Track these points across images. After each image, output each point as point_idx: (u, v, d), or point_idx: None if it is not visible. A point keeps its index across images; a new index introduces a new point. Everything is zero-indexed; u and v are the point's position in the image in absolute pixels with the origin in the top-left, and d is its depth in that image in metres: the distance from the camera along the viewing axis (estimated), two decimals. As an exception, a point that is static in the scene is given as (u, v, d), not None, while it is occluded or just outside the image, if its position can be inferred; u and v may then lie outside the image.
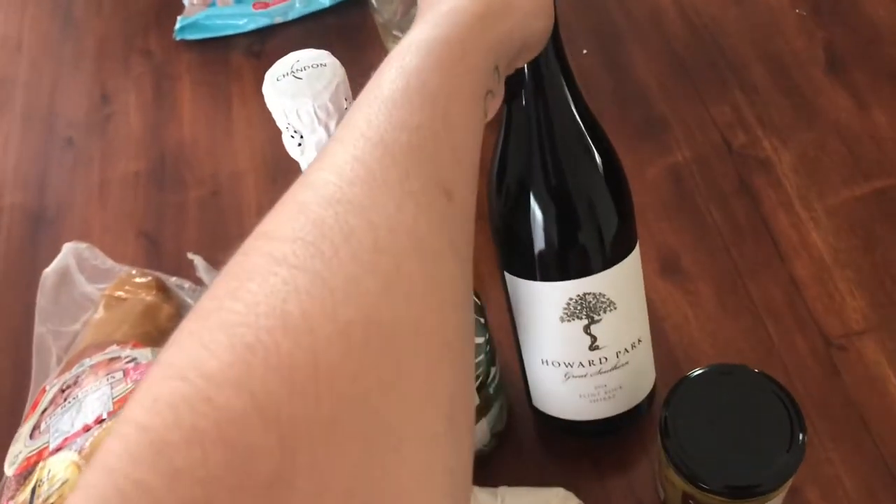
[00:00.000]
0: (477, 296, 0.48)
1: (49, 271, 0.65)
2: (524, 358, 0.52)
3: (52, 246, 0.72)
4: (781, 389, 0.47)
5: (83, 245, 0.66)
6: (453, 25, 0.33)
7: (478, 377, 0.49)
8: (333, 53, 0.38)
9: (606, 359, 0.50)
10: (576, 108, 0.44)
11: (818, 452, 0.54)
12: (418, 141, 0.28)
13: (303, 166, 0.38)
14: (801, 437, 0.46)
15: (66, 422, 0.48)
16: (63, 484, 0.44)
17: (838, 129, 0.67)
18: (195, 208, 0.74)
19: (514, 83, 0.42)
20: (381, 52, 0.76)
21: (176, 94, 0.82)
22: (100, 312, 0.61)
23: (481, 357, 0.49)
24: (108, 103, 0.83)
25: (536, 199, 0.45)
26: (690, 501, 0.48)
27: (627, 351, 0.50)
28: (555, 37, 0.41)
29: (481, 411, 0.52)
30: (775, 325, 0.59)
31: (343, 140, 0.28)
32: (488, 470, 0.55)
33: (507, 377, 0.56)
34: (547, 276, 0.47)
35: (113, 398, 0.48)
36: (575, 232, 0.46)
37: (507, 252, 0.48)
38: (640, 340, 0.51)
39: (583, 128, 0.44)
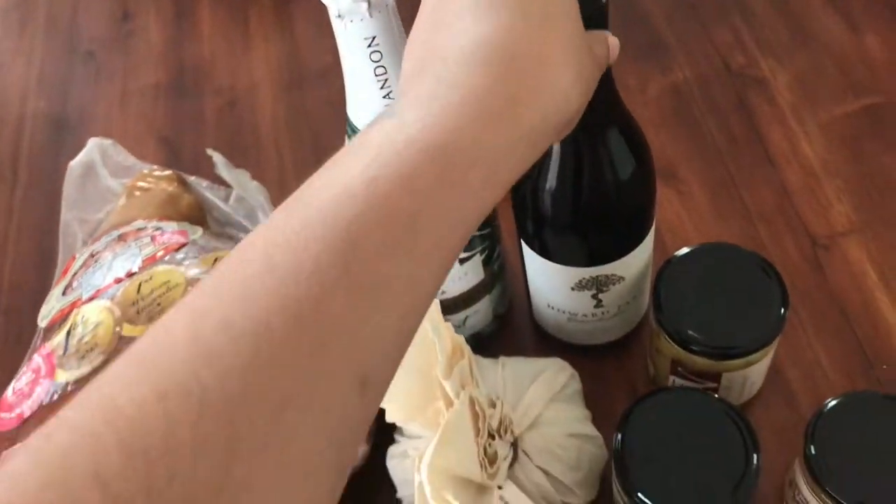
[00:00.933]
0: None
1: (75, 163, 0.68)
2: (530, 292, 0.55)
3: (75, 149, 0.75)
4: (766, 264, 0.50)
5: (108, 141, 0.69)
6: (460, 116, 0.26)
7: (484, 250, 0.52)
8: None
9: (608, 311, 0.53)
10: (619, 116, 0.44)
11: (801, 339, 0.57)
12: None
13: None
14: (781, 310, 0.49)
15: (97, 277, 0.51)
16: (96, 326, 0.47)
17: (831, 51, 0.70)
18: (213, 117, 0.77)
19: None
20: None
21: (195, 11, 0.85)
22: (122, 201, 0.64)
23: (488, 230, 0.52)
24: (129, 20, 0.85)
25: (565, 193, 0.46)
26: (679, 368, 0.52)
27: (628, 303, 0.54)
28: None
29: (486, 288, 0.55)
30: (766, 227, 0.62)
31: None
32: (489, 349, 0.58)
33: (507, 269, 0.59)
34: (564, 262, 0.49)
35: (142, 257, 0.51)
36: (596, 230, 0.48)
37: (528, 230, 0.49)
38: (641, 292, 0.54)
39: (620, 135, 0.45)
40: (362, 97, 0.43)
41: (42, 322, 0.52)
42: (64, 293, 0.53)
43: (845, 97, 0.68)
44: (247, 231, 0.64)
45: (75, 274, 0.54)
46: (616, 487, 0.47)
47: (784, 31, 0.72)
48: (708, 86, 0.70)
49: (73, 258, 0.56)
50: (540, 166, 0.45)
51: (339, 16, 0.38)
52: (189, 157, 0.74)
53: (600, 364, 0.56)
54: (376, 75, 0.41)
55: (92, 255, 0.54)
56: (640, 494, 0.44)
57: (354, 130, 0.46)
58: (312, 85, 0.77)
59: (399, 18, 0.40)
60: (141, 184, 0.65)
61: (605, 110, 0.43)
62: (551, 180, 0.45)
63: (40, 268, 0.69)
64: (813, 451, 0.45)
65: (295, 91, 0.77)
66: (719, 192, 0.64)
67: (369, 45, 0.40)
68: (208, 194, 0.67)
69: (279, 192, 0.70)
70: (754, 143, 0.66)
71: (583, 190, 0.45)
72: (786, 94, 0.68)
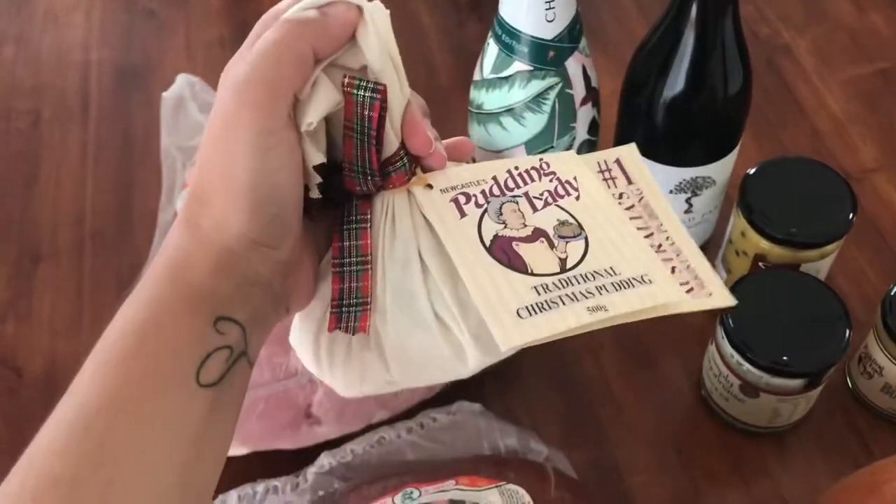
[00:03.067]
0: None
1: (168, 95, 0.71)
2: None
3: (145, 93, 0.79)
4: (835, 173, 0.59)
5: (195, 78, 0.73)
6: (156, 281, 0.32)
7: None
8: None
9: (694, 218, 0.60)
10: (735, 25, 0.51)
11: (846, 255, 0.65)
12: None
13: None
14: (850, 215, 0.57)
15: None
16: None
17: (843, 25, 0.80)
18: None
19: None
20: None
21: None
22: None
23: (596, 138, 0.58)
24: (187, -18, 0.90)
25: (680, 99, 0.52)
26: (760, 263, 0.59)
27: (711, 212, 0.61)
28: None
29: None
30: (804, 163, 0.71)
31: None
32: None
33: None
34: (668, 163, 0.55)
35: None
36: (702, 134, 0.55)
37: (634, 133, 0.56)
38: (721, 201, 0.61)
39: (737, 49, 0.52)
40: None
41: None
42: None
43: (859, 61, 0.78)
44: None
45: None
46: (719, 354, 0.54)
47: (800, 8, 0.82)
48: (740, 50, 0.79)
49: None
50: (663, 67, 0.52)
51: None
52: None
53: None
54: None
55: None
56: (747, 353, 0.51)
57: (509, 31, 0.51)
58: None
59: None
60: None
61: (726, 15, 0.50)
62: (667, 84, 0.52)
63: (117, 195, 0.73)
64: (891, 310, 0.53)
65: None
66: (760, 133, 0.73)
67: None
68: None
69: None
70: (785, 96, 0.75)
71: (701, 93, 0.53)
72: (807, 58, 0.78)
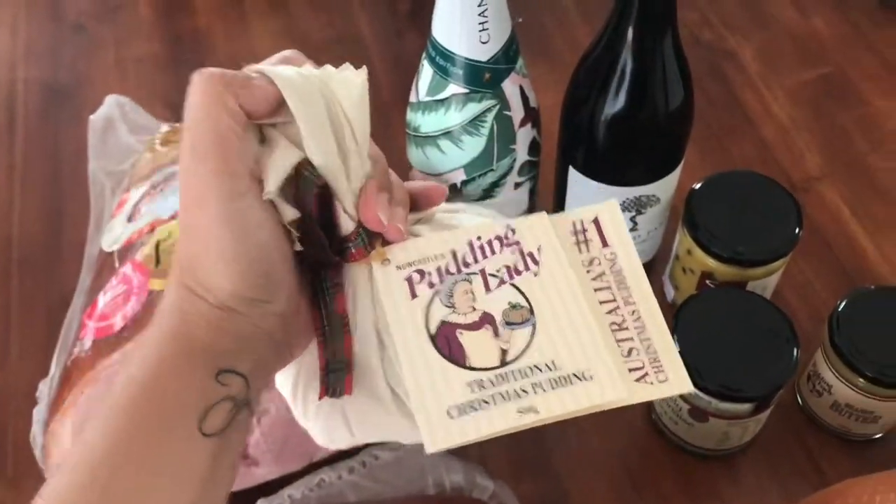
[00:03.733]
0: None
1: (95, 118, 0.68)
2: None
3: (73, 112, 0.76)
4: (780, 187, 0.58)
5: (125, 98, 0.70)
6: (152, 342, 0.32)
7: (533, 178, 0.57)
8: None
9: (640, 236, 0.59)
10: (674, 43, 0.49)
11: (793, 267, 0.65)
12: None
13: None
14: (797, 229, 0.56)
15: (171, 202, 0.53)
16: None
17: (786, 30, 0.80)
18: (215, 85, 0.79)
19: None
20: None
21: (185, -11, 0.86)
22: (148, 155, 0.65)
23: (537, 158, 0.57)
24: (116, -4, 0.86)
25: (621, 117, 0.50)
26: (708, 281, 0.58)
27: (656, 229, 0.60)
28: None
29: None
30: (750, 173, 0.70)
31: None
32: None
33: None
34: (612, 182, 0.54)
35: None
36: (649, 150, 0.54)
37: (575, 153, 0.54)
38: (665, 218, 0.59)
39: (676, 65, 0.50)
40: (456, 17, 0.47)
41: (113, 246, 0.53)
42: (130, 220, 0.54)
43: (802, 67, 0.77)
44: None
45: (136, 205, 0.55)
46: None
47: (743, 13, 0.81)
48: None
49: (127, 194, 0.57)
50: (601, 86, 0.51)
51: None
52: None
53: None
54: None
55: (153, 187, 0.55)
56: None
57: (443, 54, 0.49)
58: (312, 57, 0.80)
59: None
60: (174, 139, 0.67)
61: (664, 34, 0.49)
62: (608, 101, 0.51)
63: (46, 220, 0.70)
64: (838, 328, 0.52)
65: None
66: (707, 147, 0.72)
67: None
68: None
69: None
70: (731, 105, 0.74)
71: (640, 112, 0.51)
72: (753, 64, 0.77)
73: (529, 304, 0.34)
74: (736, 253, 0.55)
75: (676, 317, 0.52)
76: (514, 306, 0.34)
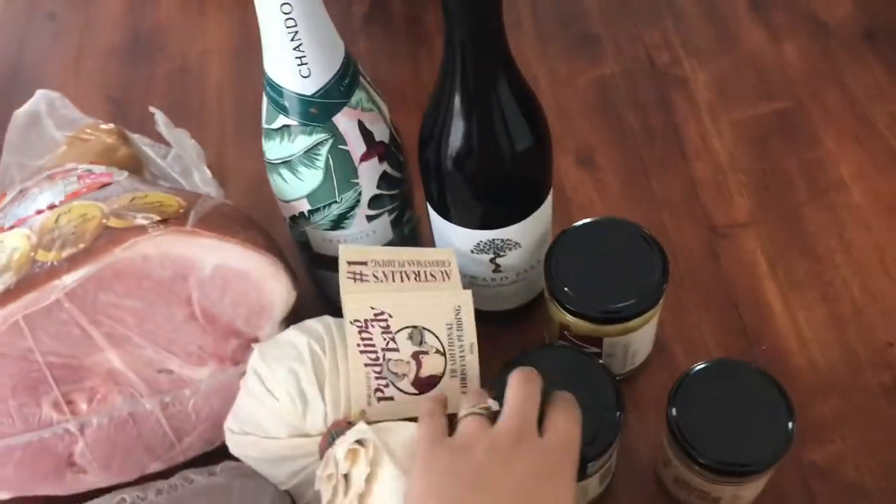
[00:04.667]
0: (395, 129, 0.54)
1: (20, 112, 0.70)
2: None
3: (25, 101, 0.78)
4: (651, 238, 0.54)
5: (56, 94, 0.72)
6: None
7: (393, 210, 0.55)
8: None
9: (507, 277, 0.56)
10: (511, 86, 0.46)
11: (689, 317, 0.61)
12: None
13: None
14: (660, 283, 0.52)
15: (22, 209, 0.54)
16: (13, 251, 0.50)
17: (752, 57, 0.74)
18: (163, 81, 0.80)
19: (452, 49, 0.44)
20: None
21: (156, -19, 0.88)
22: (63, 149, 0.67)
23: (396, 191, 0.55)
24: (92, -16, 0.88)
25: (461, 156, 0.48)
26: (565, 332, 0.55)
27: (526, 272, 0.57)
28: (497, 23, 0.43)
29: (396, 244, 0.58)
30: (670, 213, 0.66)
31: None
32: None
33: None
34: (462, 224, 0.52)
35: (65, 192, 0.54)
36: (490, 194, 0.51)
37: (430, 190, 0.52)
38: (539, 262, 0.56)
39: (516, 105, 0.47)
40: (275, 51, 0.46)
41: (-34, 249, 0.55)
42: (-9, 223, 0.55)
43: (759, 100, 0.71)
44: (179, 185, 0.66)
45: (2, 208, 0.56)
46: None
47: (710, 34, 0.76)
48: (633, 81, 0.74)
49: (4, 195, 0.59)
50: (441, 127, 0.48)
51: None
52: (136, 116, 0.77)
53: (498, 331, 0.59)
54: (287, 28, 0.45)
55: (21, 192, 0.57)
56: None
57: (272, 85, 0.48)
58: (261, 54, 0.80)
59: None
60: (82, 135, 0.68)
61: (497, 76, 0.46)
62: (449, 142, 0.48)
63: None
64: (675, 413, 0.49)
65: (243, 59, 0.80)
66: (631, 179, 0.68)
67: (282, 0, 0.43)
68: (148, 150, 0.70)
69: (216, 154, 0.73)
70: (670, 137, 0.70)
71: (476, 154, 0.49)
72: (704, 93, 0.72)
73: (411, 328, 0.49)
74: (585, 307, 0.52)
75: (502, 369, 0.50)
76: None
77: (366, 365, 0.48)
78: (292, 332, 0.51)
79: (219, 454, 0.54)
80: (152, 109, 0.71)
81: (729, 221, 0.65)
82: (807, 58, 0.74)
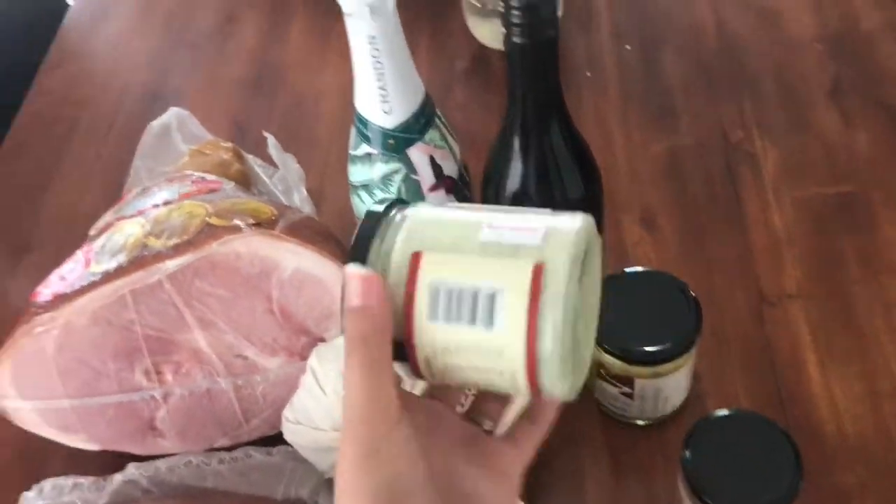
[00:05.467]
0: (465, 168, 0.61)
1: (154, 124, 0.81)
2: None
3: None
4: (690, 294, 0.58)
5: (186, 112, 0.82)
6: None
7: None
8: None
9: None
10: (564, 137, 0.52)
11: (727, 375, 0.64)
12: None
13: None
14: (692, 334, 0.56)
15: (141, 203, 0.63)
16: (129, 236, 0.58)
17: (823, 140, 0.78)
18: (280, 113, 0.90)
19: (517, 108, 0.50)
20: (460, 13, 0.91)
21: (288, 25, 0.98)
22: (185, 160, 0.77)
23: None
24: (232, 23, 1.00)
25: (516, 199, 0.54)
26: (601, 370, 0.59)
27: None
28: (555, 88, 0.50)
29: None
30: (722, 277, 0.69)
31: None
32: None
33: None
34: None
35: (179, 193, 0.63)
36: None
37: None
38: None
39: (570, 158, 0.53)
40: (363, 88, 0.54)
41: (92, 232, 0.64)
42: (115, 214, 0.65)
43: (824, 181, 0.75)
44: (279, 201, 0.75)
45: (128, 202, 0.66)
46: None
47: (785, 116, 0.80)
48: (704, 152, 0.78)
49: (131, 191, 0.68)
50: (499, 168, 0.55)
51: (349, 14, 0.49)
52: (252, 140, 0.86)
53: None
54: (375, 70, 0.52)
55: (144, 190, 0.66)
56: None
57: (359, 117, 0.56)
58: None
59: (398, 20, 0.51)
60: (204, 150, 0.78)
61: (550, 128, 0.52)
62: (507, 182, 0.55)
63: (112, 202, 0.82)
64: (688, 456, 0.53)
65: (352, 102, 0.89)
66: (688, 241, 0.72)
67: (371, 43, 0.51)
68: (258, 170, 0.79)
69: (317, 180, 0.82)
70: (731, 207, 0.74)
71: (528, 195, 0.55)
72: (771, 170, 0.76)
73: None
74: (617, 346, 0.56)
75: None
76: None
77: None
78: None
79: (278, 439, 0.61)
80: (266, 134, 0.80)
81: (778, 291, 0.68)
82: (876, 146, 0.76)
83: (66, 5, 1.11)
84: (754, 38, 0.87)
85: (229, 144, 0.79)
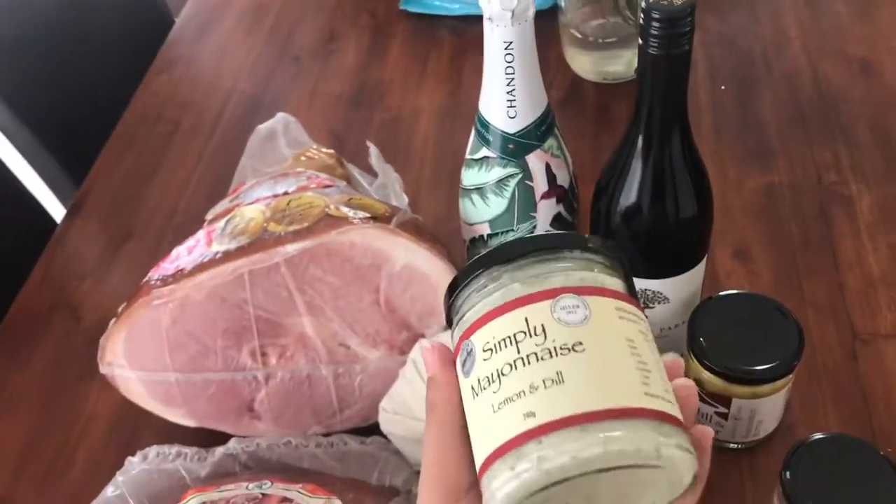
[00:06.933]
0: (575, 179, 0.62)
1: (262, 127, 0.84)
2: None
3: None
4: (794, 320, 0.59)
5: (292, 118, 0.85)
6: None
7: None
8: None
9: (651, 331, 0.62)
10: (689, 164, 0.54)
11: (820, 408, 0.64)
12: None
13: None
14: (795, 352, 0.57)
15: (259, 191, 0.65)
16: (250, 220, 0.61)
17: (919, 189, 0.78)
18: (378, 126, 0.92)
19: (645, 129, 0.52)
20: (557, 44, 0.93)
21: (388, 47, 1.02)
22: (289, 162, 0.80)
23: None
24: (335, 41, 1.03)
25: (629, 209, 0.55)
26: (698, 389, 0.60)
27: (671, 329, 0.63)
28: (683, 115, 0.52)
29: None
30: (815, 313, 0.70)
31: None
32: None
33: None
34: None
35: (297, 185, 0.65)
36: (649, 246, 0.57)
37: (596, 233, 0.59)
38: (683, 322, 0.61)
39: (689, 178, 0.55)
40: (492, 91, 0.56)
41: (209, 216, 0.67)
42: (231, 202, 0.67)
43: (919, 228, 0.75)
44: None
45: (243, 192, 0.68)
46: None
47: (880, 163, 0.81)
48: (798, 192, 0.79)
49: (243, 183, 0.71)
50: (617, 179, 0.56)
51: (490, 18, 0.52)
52: (351, 150, 0.89)
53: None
54: (506, 74, 0.54)
55: (258, 182, 0.69)
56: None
57: (481, 121, 0.58)
58: (464, 119, 0.91)
59: (534, 30, 0.53)
60: (307, 154, 0.80)
61: (674, 143, 0.54)
62: (621, 192, 0.56)
63: (210, 203, 0.85)
64: (788, 476, 0.53)
65: (448, 122, 0.92)
66: (782, 276, 0.73)
67: (506, 48, 0.53)
68: (357, 176, 0.81)
69: (411, 194, 0.84)
70: (825, 247, 0.74)
71: (643, 207, 0.56)
72: (866, 213, 0.77)
73: None
74: (716, 362, 0.57)
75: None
76: None
77: None
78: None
79: (370, 431, 0.62)
80: (368, 143, 0.83)
81: (872, 330, 0.68)
82: (975, 198, 0.77)
83: (172, 21, 1.16)
84: (851, 87, 0.88)
85: (331, 151, 0.81)
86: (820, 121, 0.85)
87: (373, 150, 0.82)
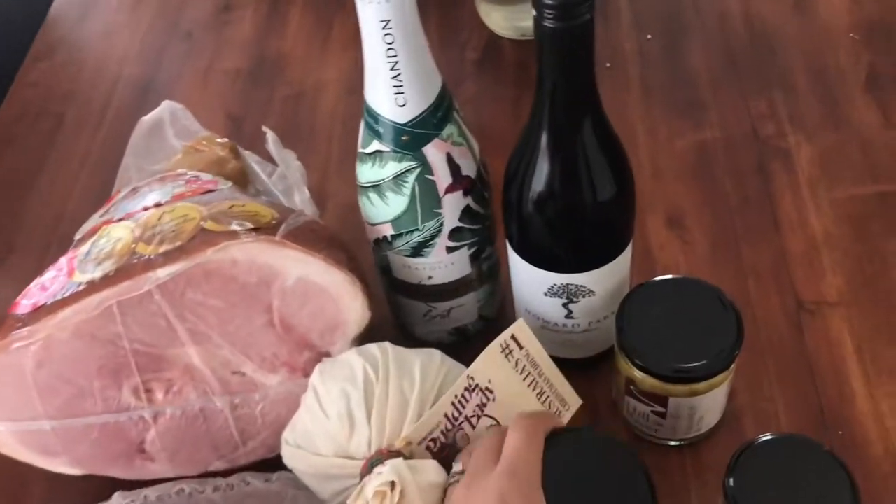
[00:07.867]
0: (484, 166, 0.56)
1: (146, 119, 0.76)
2: (513, 294, 0.60)
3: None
4: (729, 303, 0.53)
5: (179, 106, 0.77)
6: None
7: (473, 245, 0.57)
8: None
9: (578, 325, 0.57)
10: (597, 134, 0.48)
11: (764, 390, 0.59)
12: None
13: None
14: (732, 349, 0.52)
15: (131, 205, 0.58)
16: (117, 241, 0.53)
17: (861, 136, 0.73)
18: (279, 105, 0.84)
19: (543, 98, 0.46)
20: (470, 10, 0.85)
21: (287, 13, 0.93)
22: (178, 157, 0.72)
23: (478, 226, 0.56)
24: (229, 11, 0.94)
25: (542, 200, 0.50)
26: (631, 387, 0.54)
27: (599, 322, 0.57)
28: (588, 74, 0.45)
29: (471, 284, 0.59)
30: (756, 283, 0.65)
31: None
32: (471, 347, 0.61)
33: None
34: (536, 264, 0.53)
35: (172, 193, 0.57)
36: (566, 239, 0.52)
37: (510, 228, 0.54)
38: (612, 313, 0.56)
39: (600, 154, 0.48)
40: (375, 78, 0.49)
41: (77, 236, 0.59)
42: (101, 216, 0.59)
43: (863, 180, 0.70)
44: (279, 202, 0.70)
45: (115, 203, 0.61)
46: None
47: (819, 110, 0.75)
48: (733, 148, 0.73)
49: (119, 191, 0.63)
50: (525, 167, 0.50)
51: (361, -1, 0.44)
52: (249, 135, 0.81)
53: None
54: (388, 58, 0.47)
55: (134, 189, 0.61)
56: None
57: (369, 111, 0.51)
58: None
59: (415, 5, 0.46)
60: (198, 146, 0.72)
61: (583, 122, 0.47)
62: (532, 183, 0.50)
63: (100, 203, 0.77)
64: (732, 483, 0.48)
65: (355, 95, 0.83)
66: (720, 245, 0.67)
67: (384, 28, 0.46)
68: (256, 167, 0.73)
69: (319, 178, 0.76)
70: (764, 207, 0.69)
71: (556, 197, 0.50)
72: (806, 168, 0.71)
73: (497, 421, 0.50)
74: (651, 363, 0.51)
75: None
76: (488, 428, 0.50)
77: (445, 416, 0.49)
78: (352, 354, 0.52)
79: (277, 463, 0.56)
80: (265, 129, 0.75)
81: (817, 298, 0.63)
82: (919, 143, 0.72)
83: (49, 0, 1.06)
84: (784, 28, 0.82)
85: (225, 140, 0.73)
86: (753, 67, 0.79)
87: (270, 136, 0.75)
